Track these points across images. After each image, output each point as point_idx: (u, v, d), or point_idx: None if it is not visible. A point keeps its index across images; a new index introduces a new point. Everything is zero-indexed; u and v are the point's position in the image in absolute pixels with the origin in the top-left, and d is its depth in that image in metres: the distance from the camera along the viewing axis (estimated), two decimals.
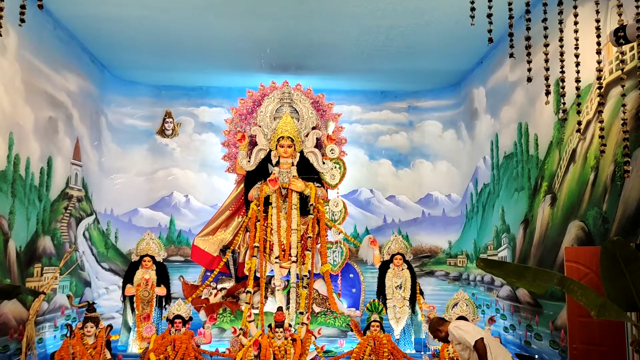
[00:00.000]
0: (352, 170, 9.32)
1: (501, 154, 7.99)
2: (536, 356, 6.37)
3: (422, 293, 8.49)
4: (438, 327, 5.57)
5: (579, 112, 3.31)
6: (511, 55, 3.05)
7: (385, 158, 10.48)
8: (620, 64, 4.70)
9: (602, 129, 3.14)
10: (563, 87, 3.13)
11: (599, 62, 3.19)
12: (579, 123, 3.60)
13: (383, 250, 8.65)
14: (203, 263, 9.00)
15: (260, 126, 9.00)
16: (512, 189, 7.52)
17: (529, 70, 2.99)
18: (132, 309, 8.19)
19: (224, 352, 7.53)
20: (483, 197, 8.85)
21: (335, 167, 9.03)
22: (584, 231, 5.49)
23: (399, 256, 8.46)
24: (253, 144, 9.08)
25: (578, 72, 3.13)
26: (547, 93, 3.11)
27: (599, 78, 3.21)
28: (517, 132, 7.35)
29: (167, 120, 10.22)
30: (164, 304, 8.30)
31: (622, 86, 3.31)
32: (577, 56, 3.31)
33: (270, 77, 9.34)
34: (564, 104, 3.24)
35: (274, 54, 8.93)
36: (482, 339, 5.03)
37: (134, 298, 8.18)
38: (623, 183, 4.82)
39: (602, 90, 3.20)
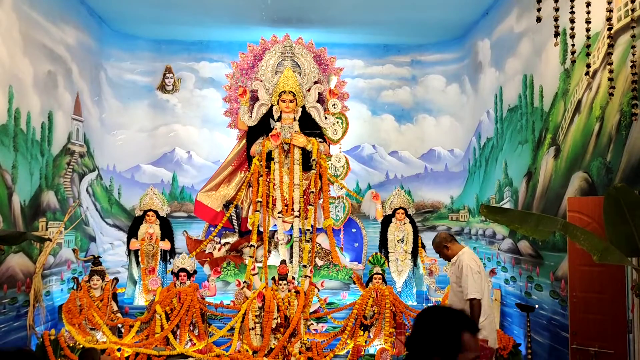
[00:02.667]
0: (354, 125, 9.27)
1: (505, 107, 7.92)
2: (536, 306, 6.46)
3: (424, 247, 8.57)
4: (446, 243, 5.39)
5: (588, 55, 3.25)
6: None
7: (388, 113, 10.39)
8: (630, 12, 4.61)
9: (611, 71, 3.09)
10: (572, 28, 3.06)
11: (609, 2, 3.10)
12: (588, 66, 3.54)
13: (385, 205, 8.69)
14: (206, 218, 9.06)
15: (261, 81, 8.90)
16: (515, 142, 7.48)
17: (539, 10, 2.92)
18: (137, 263, 8.30)
19: (229, 305, 7.66)
20: (486, 151, 8.82)
21: (338, 122, 8.98)
22: (587, 182, 5.49)
23: (401, 210, 8.51)
24: (254, 99, 9.01)
25: (589, 12, 3.05)
26: (556, 34, 3.05)
27: (609, 19, 3.12)
28: (521, 84, 7.25)
29: (168, 75, 10.11)
30: (168, 258, 8.40)
31: (633, 28, 3.24)
32: (588, 4, 3.22)
33: (272, 30, 9.19)
34: (573, 45, 3.17)
35: (274, 6, 8.74)
36: (479, 300, 5.00)
37: (139, 252, 8.28)
38: (628, 132, 4.78)
39: (611, 32, 3.12)
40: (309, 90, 8.90)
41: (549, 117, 6.42)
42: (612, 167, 5.02)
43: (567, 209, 5.16)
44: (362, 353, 6.90)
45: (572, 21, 3.11)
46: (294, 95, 8.71)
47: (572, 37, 3.14)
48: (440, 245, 5.44)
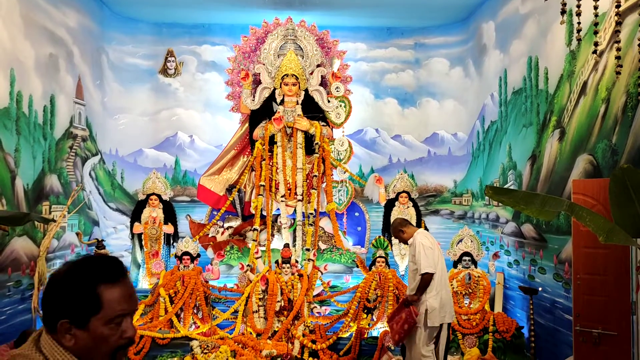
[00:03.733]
0: (357, 109, 9.22)
1: (509, 89, 7.86)
2: (539, 289, 6.46)
3: (427, 230, 8.56)
4: (402, 227, 5.73)
5: (596, 33, 3.20)
6: None
7: (391, 97, 10.33)
8: None
9: (618, 49, 3.05)
10: (579, 6, 3.02)
11: None
12: (596, 44, 3.48)
13: (389, 189, 8.68)
14: (209, 202, 9.06)
15: (264, 64, 8.85)
16: (519, 125, 7.43)
17: None
18: (141, 247, 8.33)
19: (232, 288, 7.69)
20: (490, 134, 8.77)
21: (341, 105, 8.93)
22: (592, 164, 5.45)
23: (404, 194, 8.50)
24: (257, 82, 8.97)
25: None
26: (563, 12, 3.00)
27: None
28: (526, 66, 7.19)
29: (169, 59, 10.05)
30: (171, 241, 8.42)
31: None
32: None
33: (274, 13, 9.11)
34: (579, 23, 3.13)
35: None
36: (431, 274, 5.26)
37: (142, 236, 8.29)
38: (634, 114, 4.74)
39: (620, 9, 3.07)
40: (311, 73, 8.85)
41: (554, 99, 6.37)
42: (618, 149, 4.99)
43: (571, 192, 5.13)
44: (366, 335, 6.93)
45: None
46: (297, 78, 8.66)
47: (579, 14, 3.09)
48: (397, 230, 5.74)
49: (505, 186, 8.01)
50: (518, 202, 3.40)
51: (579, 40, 3.51)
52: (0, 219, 3.32)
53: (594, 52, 3.70)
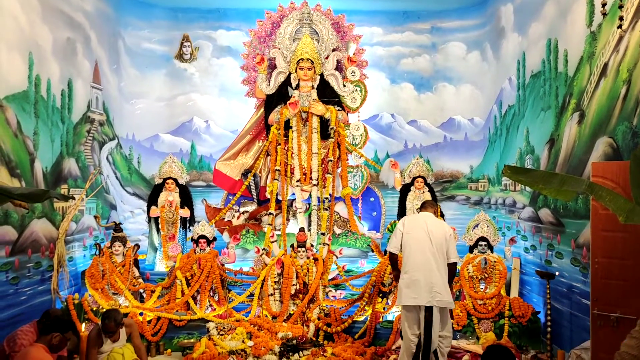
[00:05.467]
0: (373, 94, 9.16)
1: (528, 73, 7.75)
2: (557, 273, 6.41)
3: (442, 215, 8.52)
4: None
5: (621, 7, 3.13)
6: None
7: (407, 82, 10.24)
8: None
9: None
10: None
11: None
12: (621, 18, 3.41)
13: (404, 173, 8.64)
14: (225, 187, 9.10)
15: (279, 48, 8.83)
16: (538, 109, 7.34)
17: None
18: (158, 230, 8.40)
19: (248, 271, 7.75)
20: (507, 119, 8.67)
21: (356, 90, 8.89)
22: (612, 147, 5.37)
23: (420, 179, 8.45)
24: (272, 67, 8.95)
25: None
26: None
27: None
28: (545, 48, 7.07)
29: (185, 44, 10.06)
30: (187, 225, 8.49)
31: None
32: None
33: None
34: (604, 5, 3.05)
35: None
36: (390, 254, 5.77)
37: (159, 219, 8.37)
38: None
39: None
40: (327, 57, 8.81)
41: (574, 81, 6.26)
42: (639, 131, 4.90)
43: (590, 174, 5.05)
44: (381, 319, 6.95)
45: None
46: (312, 62, 8.62)
47: None
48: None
49: None
50: (536, 181, 3.36)
51: (604, 14, 3.42)
52: (20, 195, 3.37)
53: (619, 26, 3.62)
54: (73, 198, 5.82)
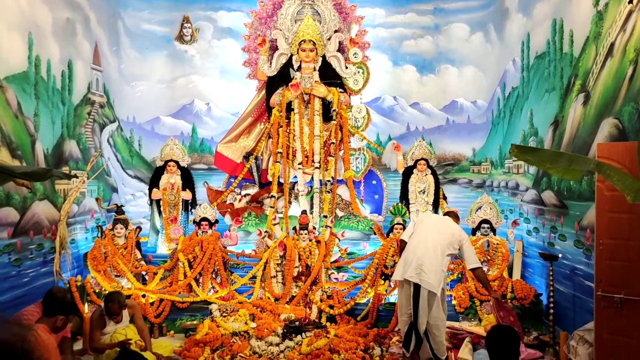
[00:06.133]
0: (375, 76, 9.08)
1: (532, 54, 7.67)
2: (560, 255, 6.40)
3: (445, 198, 8.51)
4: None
5: None
6: None
7: (410, 64, 10.16)
8: None
9: None
10: None
11: None
12: None
13: (407, 156, 8.60)
14: (226, 169, 9.08)
15: (281, 30, 8.74)
16: (542, 91, 7.27)
17: None
18: (159, 212, 8.38)
19: (250, 254, 7.74)
20: (511, 101, 8.61)
21: (359, 71, 8.82)
22: (618, 128, 5.32)
23: (422, 161, 8.41)
24: (274, 48, 8.87)
25: None
26: None
27: None
28: (550, 29, 6.99)
29: (185, 25, 9.96)
30: (189, 208, 8.46)
31: None
32: None
33: None
34: None
35: None
36: (401, 240, 5.78)
37: (161, 202, 8.34)
38: None
39: None
40: (329, 39, 8.73)
41: (579, 62, 6.20)
42: None
43: (596, 156, 5.01)
44: (383, 301, 6.95)
45: None
46: (314, 44, 8.54)
47: None
48: None
49: None
50: (544, 161, 3.32)
51: None
52: (22, 174, 3.33)
53: (630, 1, 3.55)
54: (76, 177, 5.80)
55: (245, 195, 8.83)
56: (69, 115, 7.51)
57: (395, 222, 7.48)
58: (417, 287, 5.27)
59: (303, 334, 6.13)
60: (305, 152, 8.59)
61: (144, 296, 6.86)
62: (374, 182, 9.05)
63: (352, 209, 8.62)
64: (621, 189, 3.18)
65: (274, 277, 7.29)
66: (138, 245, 7.68)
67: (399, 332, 6.34)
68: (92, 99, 8.33)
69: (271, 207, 8.34)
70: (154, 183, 8.40)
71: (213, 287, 7.29)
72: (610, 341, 4.80)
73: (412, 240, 5.54)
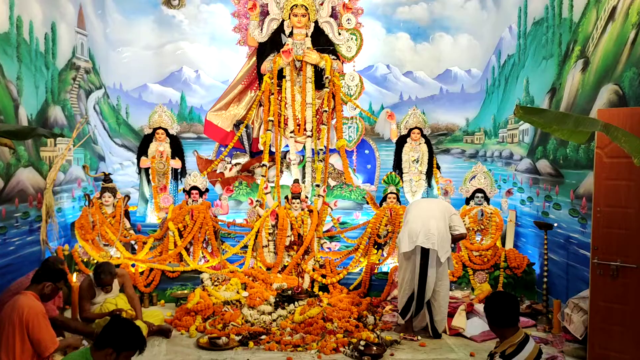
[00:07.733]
0: (368, 44, 8.86)
1: (530, 20, 7.51)
2: (555, 224, 6.36)
3: (439, 167, 8.42)
4: None
5: None
6: None
7: (403, 31, 9.94)
8: None
9: None
10: None
11: None
12: None
13: (400, 125, 8.47)
14: (216, 138, 8.89)
15: None
16: (539, 58, 7.14)
17: None
18: (148, 181, 8.22)
19: (242, 223, 7.63)
20: (506, 69, 8.47)
21: (352, 38, 8.61)
22: (618, 94, 5.23)
23: (416, 130, 8.29)
24: (265, 13, 8.62)
25: None
26: None
27: None
28: None
29: None
30: (179, 177, 8.31)
31: None
32: None
33: None
34: None
35: None
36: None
37: (150, 170, 8.17)
38: None
39: None
40: (322, 4, 8.50)
41: (579, 27, 6.06)
42: None
43: None
44: (376, 271, 6.91)
45: None
46: (306, 9, 8.32)
47: None
48: None
49: (520, 123, 7.80)
50: (550, 122, 3.21)
51: None
52: (6, 132, 3.16)
53: None
54: (63, 135, 5.59)
55: (235, 165, 8.66)
56: (54, 80, 7.26)
57: (389, 191, 7.40)
58: (424, 256, 5.33)
59: (296, 302, 6.07)
60: (297, 121, 8.43)
61: (133, 265, 6.74)
62: (366, 151, 8.92)
63: (344, 178, 8.51)
64: (628, 151, 3.08)
65: (266, 246, 7.20)
66: (127, 214, 7.53)
67: (392, 300, 6.32)
68: (77, 64, 8.07)
69: (262, 176, 8.20)
70: (142, 151, 8.21)
71: (204, 257, 7.19)
72: (605, 308, 4.79)
73: (409, 218, 5.62)
